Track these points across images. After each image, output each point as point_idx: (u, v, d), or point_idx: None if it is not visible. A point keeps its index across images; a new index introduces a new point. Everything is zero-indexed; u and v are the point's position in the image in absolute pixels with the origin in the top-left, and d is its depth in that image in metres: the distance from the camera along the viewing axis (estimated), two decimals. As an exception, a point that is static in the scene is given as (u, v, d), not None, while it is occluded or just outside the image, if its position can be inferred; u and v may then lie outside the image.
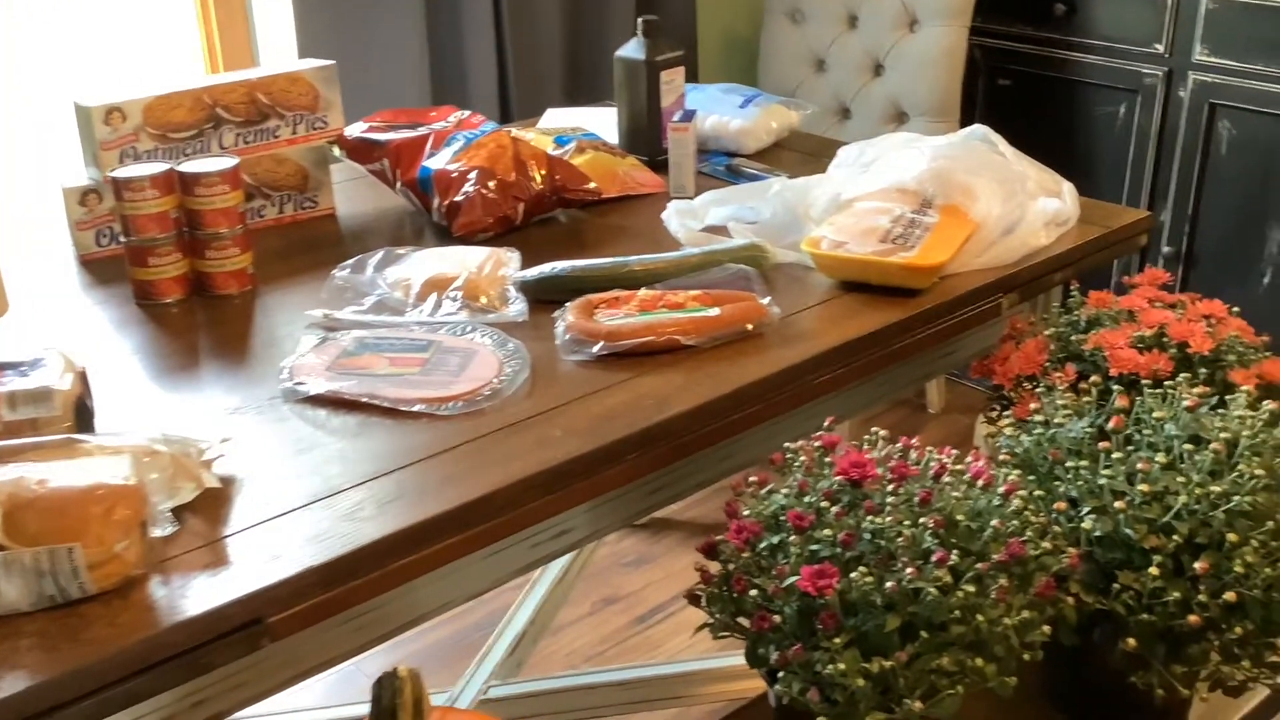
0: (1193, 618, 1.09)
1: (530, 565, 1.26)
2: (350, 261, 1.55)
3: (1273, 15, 2.37)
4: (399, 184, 1.76)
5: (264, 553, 1.03)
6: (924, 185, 1.57)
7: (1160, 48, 2.56)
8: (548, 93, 2.80)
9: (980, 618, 1.04)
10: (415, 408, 1.25)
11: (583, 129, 1.97)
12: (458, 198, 1.66)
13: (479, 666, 1.93)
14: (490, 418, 1.24)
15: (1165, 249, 2.64)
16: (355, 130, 1.80)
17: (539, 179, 1.71)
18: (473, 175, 1.67)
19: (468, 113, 1.85)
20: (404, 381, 1.28)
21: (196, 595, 0.97)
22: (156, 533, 1.01)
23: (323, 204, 1.79)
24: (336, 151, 1.80)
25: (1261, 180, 2.46)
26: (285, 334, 1.43)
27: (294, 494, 1.11)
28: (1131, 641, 1.11)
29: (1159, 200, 2.64)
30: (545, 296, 1.47)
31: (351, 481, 1.13)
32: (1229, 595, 1.07)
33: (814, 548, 1.09)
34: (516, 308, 1.45)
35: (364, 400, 1.26)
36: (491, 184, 1.67)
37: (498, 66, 2.73)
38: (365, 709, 1.00)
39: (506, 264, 1.53)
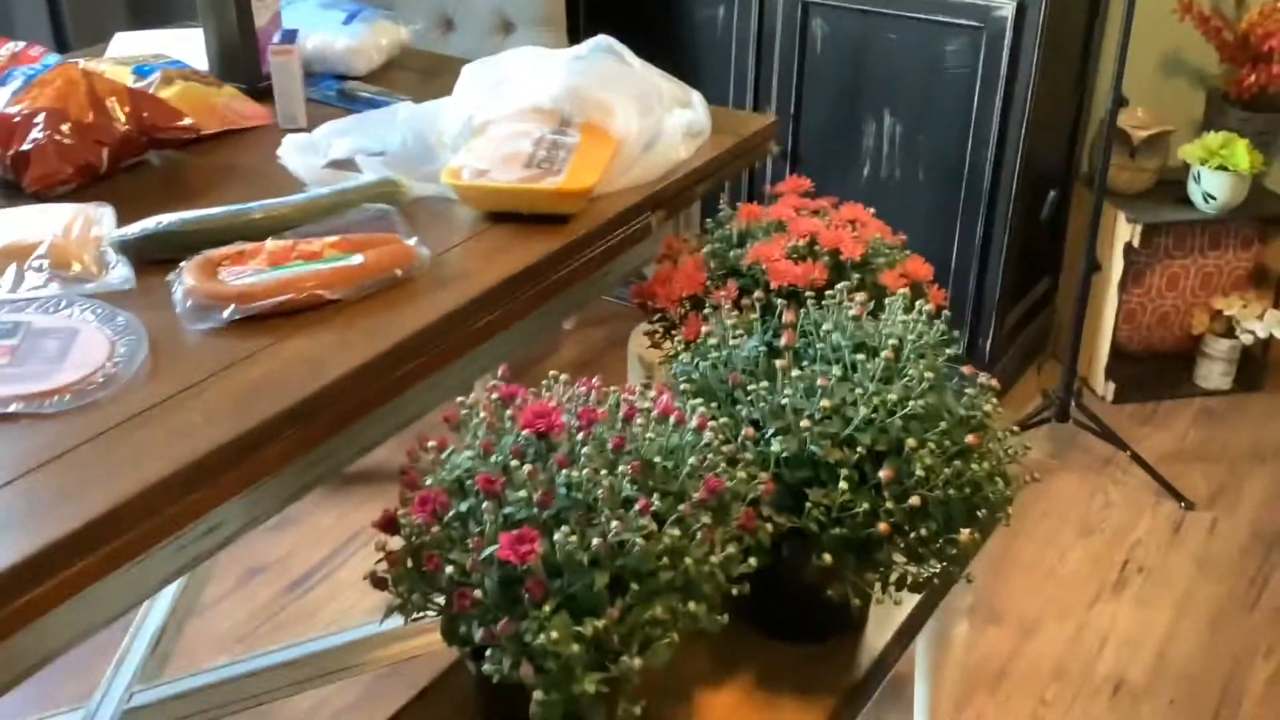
0: (882, 526, 1.10)
1: (180, 570, 1.10)
2: (-105, 235, 1.27)
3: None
4: (-55, 134, 1.46)
5: None
6: (560, 104, 1.49)
7: (752, -51, 2.60)
8: (109, 14, 2.47)
9: (688, 560, 1.00)
10: (11, 408, 1.04)
11: (165, 56, 1.72)
12: (25, 146, 1.41)
13: (117, 671, 1.71)
14: (109, 410, 1.05)
15: (773, 149, 2.72)
16: (-123, 71, 1.48)
17: (122, 118, 1.48)
18: (40, 118, 1.42)
19: (21, 44, 1.57)
20: (-9, 377, 1.07)
21: None
22: None
23: None
24: None
25: (855, 76, 2.58)
26: None
27: None
28: (827, 558, 1.12)
29: (763, 102, 2.71)
30: (153, 256, 1.27)
31: (-60, 512, 0.92)
32: (914, 499, 1.09)
33: (509, 511, 1.01)
34: (119, 273, 1.24)
35: (-59, 407, 1.03)
36: (65, 127, 1.42)
37: (45, -16, 2.37)
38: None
39: (98, 221, 1.31)
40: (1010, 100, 2.43)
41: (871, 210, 1.45)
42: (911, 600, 1.36)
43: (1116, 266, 2.63)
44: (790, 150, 2.71)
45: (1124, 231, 2.58)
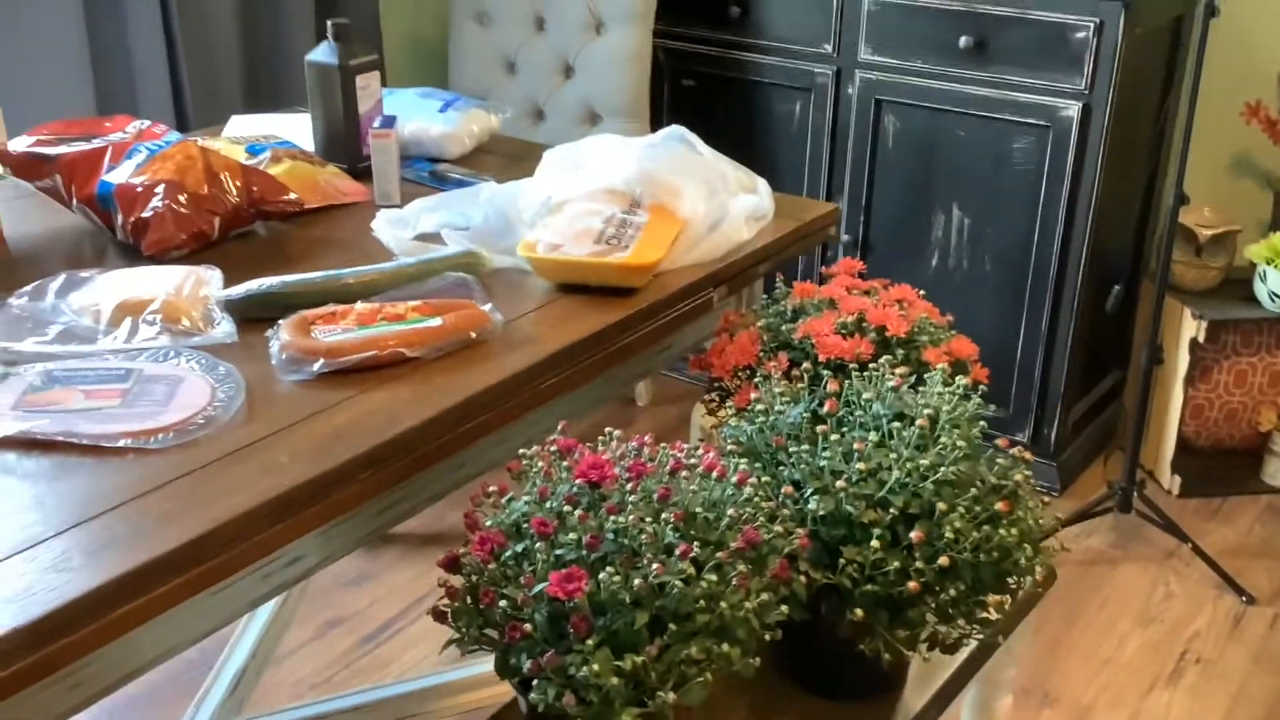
0: (912, 584, 1.16)
1: (262, 598, 1.20)
2: (27, 288, 1.42)
3: (928, 15, 2.57)
4: (75, 201, 1.62)
5: (-40, 618, 0.93)
6: (632, 186, 1.60)
7: (829, 48, 2.72)
8: (227, 98, 2.66)
9: (723, 604, 1.08)
10: (120, 443, 1.16)
11: (276, 137, 1.88)
12: (145, 213, 1.55)
13: (199, 708, 1.82)
14: (206, 448, 1.16)
15: (844, 238, 2.82)
16: (20, 144, 1.64)
17: (234, 191, 1.62)
18: (160, 189, 1.57)
19: (148, 123, 1.73)
20: (104, 415, 1.19)
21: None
22: None
23: (-13, 226, 1.62)
24: (0, 169, 1.64)
25: (925, 170, 2.67)
26: (-42, 373, 1.29)
27: (-12, 549, 1.01)
28: (859, 612, 1.18)
29: (835, 192, 2.81)
30: (254, 315, 1.40)
31: (54, 529, 1.04)
32: (943, 560, 1.16)
33: (559, 552, 1.10)
34: (223, 329, 1.37)
35: (59, 439, 1.15)
36: (182, 197, 1.57)
37: (170, 71, 2.57)
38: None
39: (207, 282, 1.45)
40: (1075, 197, 2.50)
41: (921, 292, 1.53)
42: (950, 665, 1.41)
43: (1182, 362, 2.65)
44: (861, 239, 2.81)
45: (1190, 327, 2.61)
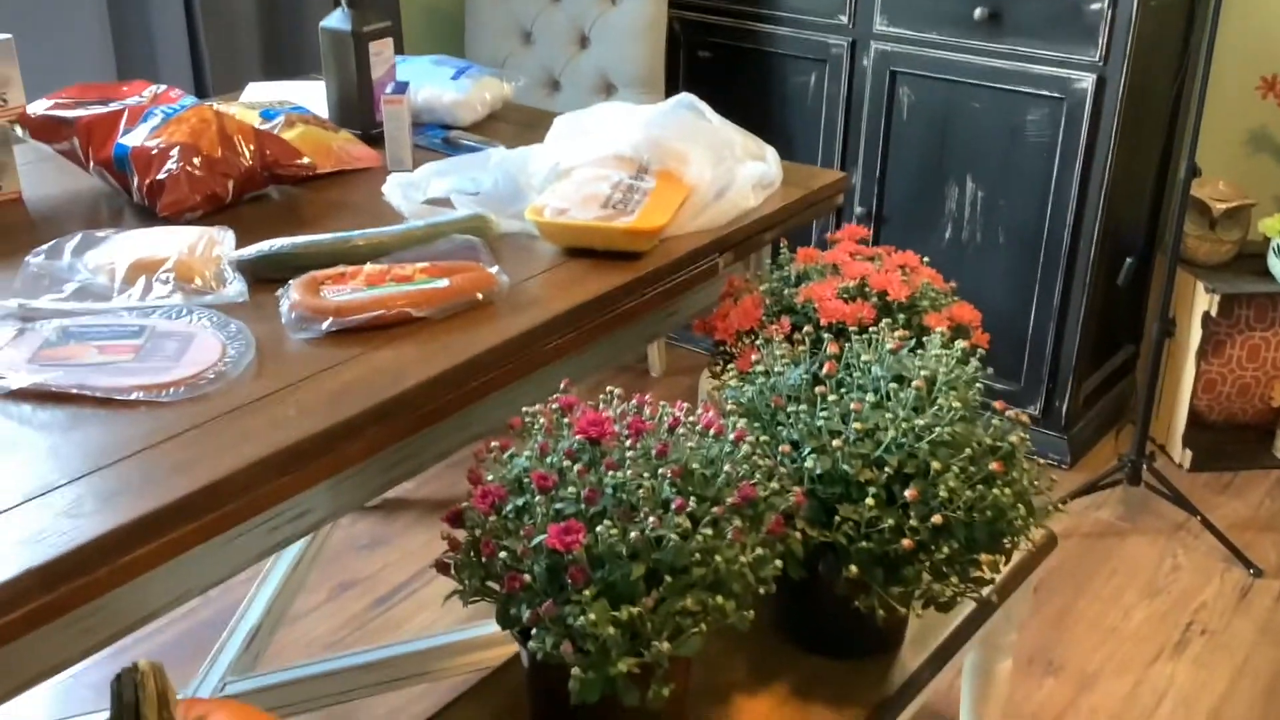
0: (906, 541, 1.18)
1: (270, 549, 1.23)
2: (45, 247, 1.45)
3: (941, -11, 2.57)
4: (92, 164, 1.65)
5: (-26, 558, 0.96)
6: (639, 152, 1.62)
7: (844, 19, 2.72)
8: (245, 66, 2.68)
9: (719, 558, 1.10)
10: (132, 396, 1.18)
11: (290, 103, 1.90)
12: (160, 176, 1.58)
13: (214, 663, 1.86)
14: (217, 401, 1.19)
15: (858, 209, 2.82)
16: (39, 108, 1.67)
17: (248, 155, 1.65)
18: (175, 152, 1.59)
19: (164, 87, 1.76)
20: (117, 369, 1.22)
21: (-99, 610, 0.90)
22: None
23: (7, 188, 1.65)
24: (19, 131, 1.67)
25: (939, 142, 2.67)
26: (-23, 328, 1.32)
27: (3, 494, 1.04)
28: (854, 569, 1.20)
29: (850, 164, 2.82)
30: (266, 275, 1.42)
31: (68, 477, 1.07)
32: (936, 518, 1.18)
33: (559, 506, 1.12)
34: (235, 288, 1.40)
35: (74, 391, 1.18)
36: (196, 160, 1.60)
37: (189, 38, 2.60)
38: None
39: (220, 243, 1.47)
40: (1089, 169, 2.49)
41: (925, 259, 1.54)
42: (948, 626, 1.43)
43: (1194, 336, 2.65)
44: (875, 211, 2.81)
45: (1202, 301, 2.61)
